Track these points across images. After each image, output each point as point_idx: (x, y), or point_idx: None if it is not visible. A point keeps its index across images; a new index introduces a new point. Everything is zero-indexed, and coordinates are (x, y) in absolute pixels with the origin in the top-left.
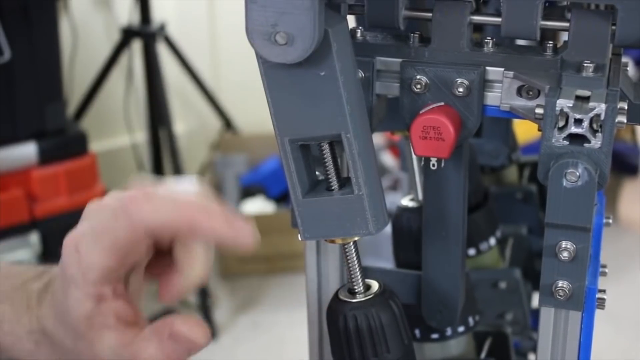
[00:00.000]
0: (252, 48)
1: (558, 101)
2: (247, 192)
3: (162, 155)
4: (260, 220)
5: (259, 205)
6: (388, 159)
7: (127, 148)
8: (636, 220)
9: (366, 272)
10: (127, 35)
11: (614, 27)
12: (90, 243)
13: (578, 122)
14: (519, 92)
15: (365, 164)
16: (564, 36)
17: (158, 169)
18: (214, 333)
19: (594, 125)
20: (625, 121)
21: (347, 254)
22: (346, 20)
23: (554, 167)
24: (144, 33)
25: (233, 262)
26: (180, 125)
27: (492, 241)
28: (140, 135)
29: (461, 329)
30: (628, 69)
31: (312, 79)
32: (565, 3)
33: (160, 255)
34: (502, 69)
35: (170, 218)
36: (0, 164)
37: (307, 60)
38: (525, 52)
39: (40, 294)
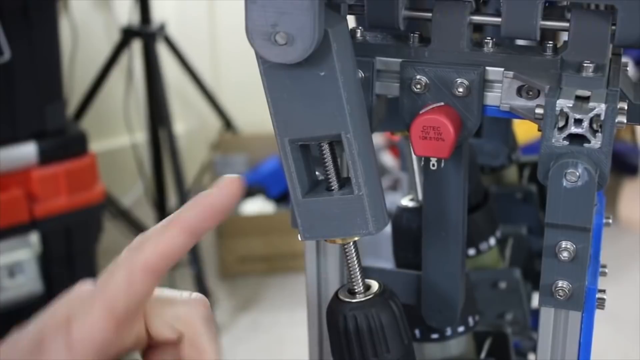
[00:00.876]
0: (252, 48)
1: (558, 101)
2: (247, 192)
3: (162, 155)
4: (260, 220)
5: (259, 205)
6: (388, 159)
7: (127, 148)
8: (636, 220)
9: (366, 272)
10: (127, 35)
11: (614, 27)
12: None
13: (578, 122)
14: (519, 92)
15: (365, 164)
16: (564, 36)
17: (158, 169)
18: None
19: (594, 126)
20: (625, 121)
21: (347, 254)
22: (346, 20)
23: (554, 167)
24: (144, 33)
25: (233, 262)
26: (180, 125)
27: (492, 241)
28: (140, 135)
29: (461, 329)
30: (628, 69)
31: (312, 79)
32: (565, 3)
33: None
34: (502, 69)
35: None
36: (0, 164)
37: (307, 60)
38: (525, 52)
39: None
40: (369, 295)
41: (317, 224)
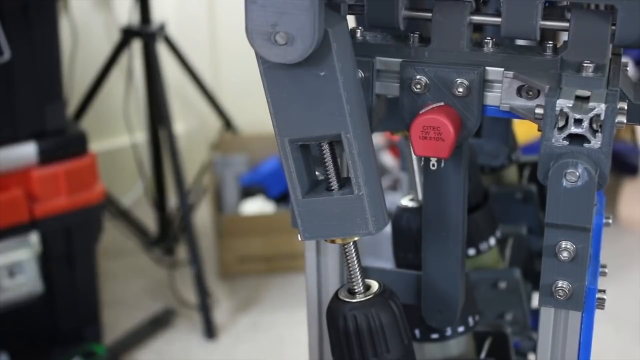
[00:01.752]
0: (252, 48)
1: (558, 101)
2: (247, 192)
3: (162, 155)
4: (260, 221)
5: (259, 205)
6: (388, 159)
7: (127, 148)
8: (636, 220)
9: (366, 272)
10: (127, 35)
11: (613, 27)
12: None
13: (578, 122)
14: (519, 92)
15: (365, 164)
16: (564, 36)
17: (158, 169)
18: (213, 333)
19: (594, 125)
20: (625, 121)
21: (347, 254)
22: (346, 20)
23: (553, 167)
24: (144, 33)
25: (233, 262)
26: (180, 125)
27: (492, 241)
28: (140, 135)
29: (461, 329)
30: (628, 69)
31: (312, 79)
32: (565, 3)
33: None
34: (502, 69)
35: None
36: (0, 164)
37: (307, 60)
38: (525, 52)
39: None
40: (369, 295)
41: (317, 224)
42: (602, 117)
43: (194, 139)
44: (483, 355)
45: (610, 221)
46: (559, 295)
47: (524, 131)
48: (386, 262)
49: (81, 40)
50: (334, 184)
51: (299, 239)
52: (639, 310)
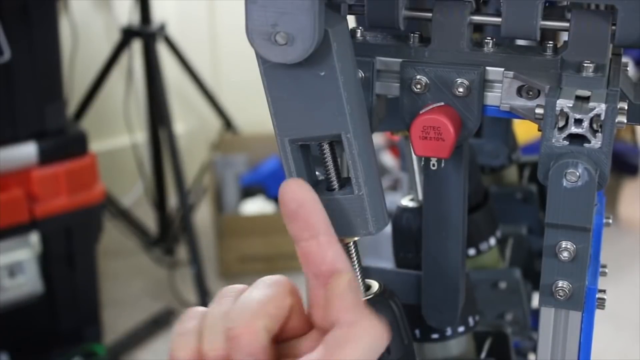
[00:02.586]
0: (252, 48)
1: (558, 101)
2: (247, 192)
3: (162, 155)
4: (260, 220)
5: (259, 205)
6: (388, 159)
7: (127, 148)
8: (636, 220)
9: (366, 272)
10: (127, 35)
11: (614, 27)
12: None
13: (578, 122)
14: (519, 92)
15: (366, 164)
16: (564, 36)
17: (158, 169)
18: None
19: (594, 125)
20: (625, 121)
21: (347, 254)
22: (346, 20)
23: (554, 167)
24: (144, 33)
25: (233, 262)
26: (180, 125)
27: (492, 241)
28: (140, 135)
29: (461, 329)
30: (628, 69)
31: (312, 79)
32: (565, 3)
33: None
34: (502, 69)
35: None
36: (0, 164)
37: (307, 60)
38: (525, 52)
39: None
40: (369, 295)
41: None
42: (602, 117)
43: (194, 139)
44: (483, 355)
45: (611, 221)
46: (559, 295)
47: (524, 131)
48: (386, 262)
49: (81, 40)
50: (334, 184)
51: None
52: (639, 310)
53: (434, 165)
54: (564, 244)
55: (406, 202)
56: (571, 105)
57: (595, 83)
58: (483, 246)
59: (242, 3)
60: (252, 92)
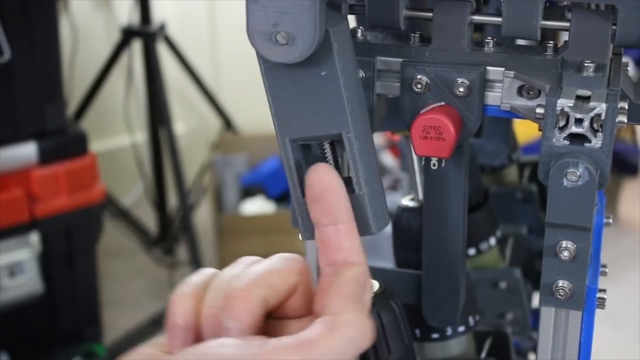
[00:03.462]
0: (253, 48)
1: (559, 101)
2: (247, 192)
3: (162, 155)
4: (260, 220)
5: (259, 205)
6: (388, 159)
7: (127, 148)
8: (636, 220)
9: None
10: (127, 35)
11: (614, 27)
12: None
13: (578, 121)
14: (520, 92)
15: (366, 164)
16: (565, 36)
17: (158, 169)
18: None
19: (595, 125)
20: (625, 121)
21: None
22: (347, 20)
23: (554, 166)
24: (144, 33)
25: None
26: (180, 125)
27: (492, 241)
28: (140, 135)
29: (461, 328)
30: (628, 68)
31: (313, 78)
32: (565, 3)
33: None
34: (503, 69)
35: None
36: (0, 164)
37: (308, 60)
38: (526, 52)
39: None
40: None
41: None
42: (602, 117)
43: (194, 139)
44: (483, 355)
45: (611, 221)
46: (559, 295)
47: (524, 131)
48: (386, 262)
49: (81, 40)
50: None
51: (300, 238)
52: (639, 310)
53: (434, 165)
54: (564, 243)
55: (406, 202)
56: (572, 105)
57: (595, 83)
58: (483, 246)
59: (243, 3)
60: (252, 92)
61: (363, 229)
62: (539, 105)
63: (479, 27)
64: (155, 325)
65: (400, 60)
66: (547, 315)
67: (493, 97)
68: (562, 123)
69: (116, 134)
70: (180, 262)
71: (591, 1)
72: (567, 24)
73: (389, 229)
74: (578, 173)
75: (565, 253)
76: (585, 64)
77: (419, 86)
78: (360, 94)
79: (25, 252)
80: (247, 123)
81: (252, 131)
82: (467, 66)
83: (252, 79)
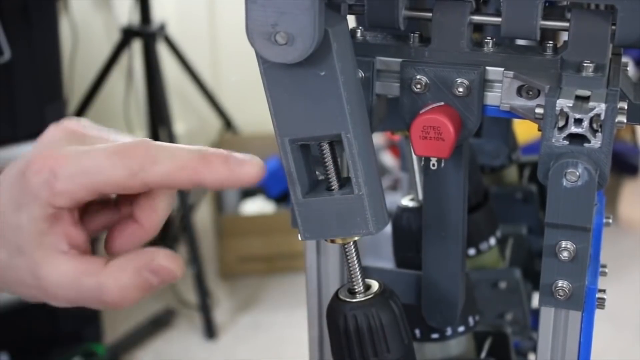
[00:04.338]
0: (252, 48)
1: (558, 101)
2: (247, 192)
3: None
4: (260, 220)
5: (259, 205)
6: (388, 159)
7: None
8: (636, 220)
9: (366, 272)
10: (127, 35)
11: (614, 27)
12: (73, 174)
13: (578, 122)
14: (519, 92)
15: (365, 164)
16: (564, 36)
17: None
18: (214, 333)
19: (594, 125)
20: (625, 121)
21: (347, 254)
22: (346, 20)
23: (554, 167)
24: (144, 33)
25: (233, 262)
26: (180, 125)
27: (492, 241)
28: (140, 135)
29: (461, 328)
30: (628, 69)
31: (312, 78)
32: (565, 3)
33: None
34: (502, 69)
35: (172, 175)
36: (0, 164)
37: (307, 60)
38: (525, 52)
39: None
40: (369, 295)
41: (317, 223)
42: (602, 117)
43: (194, 139)
44: (483, 355)
45: (611, 221)
46: (559, 295)
47: (524, 131)
48: (386, 262)
49: (81, 40)
50: (334, 184)
51: (299, 239)
52: (639, 310)
53: (434, 165)
54: (563, 243)
55: (406, 202)
56: (571, 105)
57: (595, 83)
58: (483, 246)
59: (242, 3)
60: (252, 92)
61: (362, 229)
62: (538, 106)
63: (478, 27)
64: (155, 325)
65: (400, 60)
66: (547, 316)
67: (492, 97)
68: (561, 123)
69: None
70: None
71: (591, 1)
72: (567, 24)
73: (388, 229)
74: (577, 173)
75: (565, 253)
76: (585, 64)
77: (419, 86)
78: (360, 94)
79: None
80: (247, 123)
81: (252, 131)
82: (466, 66)
83: (252, 79)
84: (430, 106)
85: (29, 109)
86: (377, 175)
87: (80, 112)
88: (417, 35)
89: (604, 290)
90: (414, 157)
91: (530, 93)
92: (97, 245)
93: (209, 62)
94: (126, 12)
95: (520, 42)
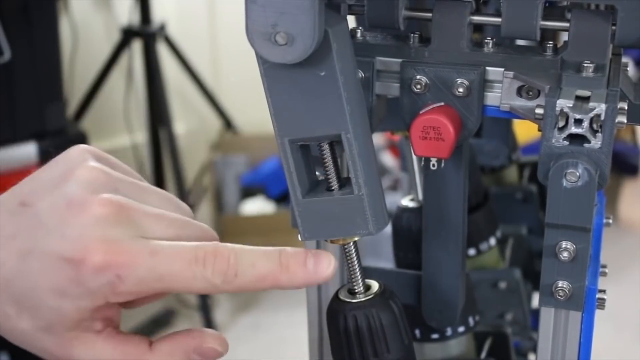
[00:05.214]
0: (252, 48)
1: (558, 101)
2: (247, 192)
3: (162, 155)
4: (260, 220)
5: (259, 205)
6: (388, 159)
7: (127, 148)
8: (636, 220)
9: (366, 272)
10: (127, 35)
11: (614, 27)
12: (143, 279)
13: (578, 122)
14: (519, 92)
15: (365, 164)
16: (564, 36)
17: (158, 169)
18: None
19: (594, 126)
20: (625, 121)
21: (347, 254)
22: (346, 20)
23: (554, 167)
24: (144, 33)
25: None
26: (180, 125)
27: (492, 241)
28: (140, 135)
29: (461, 329)
30: (628, 69)
31: (312, 79)
32: (565, 3)
33: None
34: (502, 69)
35: (252, 286)
36: (1, 164)
37: (307, 60)
38: (525, 52)
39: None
40: (369, 295)
41: (317, 224)
42: (602, 117)
43: (194, 139)
44: (483, 355)
45: (611, 221)
46: (559, 296)
47: (524, 131)
48: (386, 262)
49: (81, 40)
50: (334, 184)
51: (299, 239)
52: (639, 310)
53: (434, 165)
54: (564, 244)
55: (406, 202)
56: (571, 105)
57: (595, 83)
58: (483, 246)
59: (242, 3)
60: (252, 92)
61: (362, 229)
62: (538, 106)
63: (478, 28)
64: (155, 325)
65: (400, 60)
66: (547, 316)
67: (492, 98)
68: (561, 123)
69: (116, 134)
70: None
71: (591, 1)
72: (567, 25)
73: (388, 229)
74: (577, 173)
75: (565, 254)
76: (585, 65)
77: (419, 86)
78: (360, 94)
79: None
80: (247, 123)
81: (252, 131)
82: (466, 66)
83: (252, 79)
84: (430, 106)
85: (29, 109)
86: (377, 176)
87: (80, 112)
88: (417, 35)
89: (604, 291)
90: (414, 157)
91: (530, 93)
92: None
93: (209, 62)
94: (126, 12)
95: (520, 42)
